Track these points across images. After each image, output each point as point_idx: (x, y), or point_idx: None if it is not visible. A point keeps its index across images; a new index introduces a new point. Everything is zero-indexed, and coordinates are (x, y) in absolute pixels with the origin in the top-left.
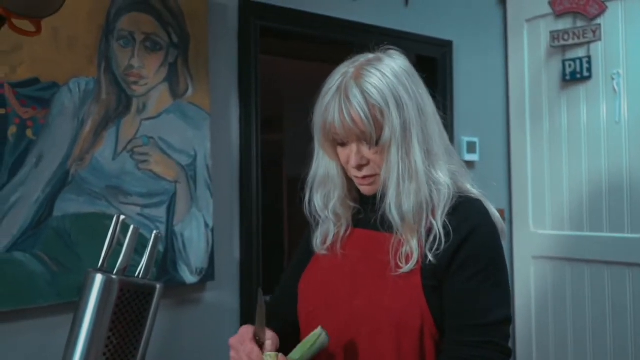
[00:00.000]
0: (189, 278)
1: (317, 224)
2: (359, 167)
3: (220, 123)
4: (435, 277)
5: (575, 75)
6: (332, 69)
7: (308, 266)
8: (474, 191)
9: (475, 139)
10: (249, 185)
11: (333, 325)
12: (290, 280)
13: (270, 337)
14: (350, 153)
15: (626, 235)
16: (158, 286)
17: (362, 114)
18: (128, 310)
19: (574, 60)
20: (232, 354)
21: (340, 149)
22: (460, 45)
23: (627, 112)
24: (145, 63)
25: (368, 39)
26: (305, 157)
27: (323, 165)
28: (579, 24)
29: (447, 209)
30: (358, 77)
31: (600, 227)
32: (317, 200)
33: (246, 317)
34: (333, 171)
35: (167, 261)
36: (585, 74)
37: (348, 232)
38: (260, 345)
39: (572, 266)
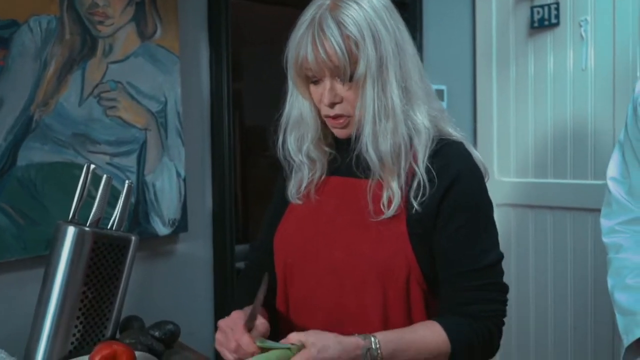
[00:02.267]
0: (162, 230)
1: (291, 171)
2: (332, 105)
3: (190, 68)
4: (421, 224)
5: (543, 22)
6: (298, 13)
7: (283, 217)
8: (455, 134)
9: (443, 87)
10: (220, 132)
11: (314, 278)
12: (267, 234)
13: (261, 324)
14: (324, 90)
15: (589, 181)
16: (133, 238)
17: (336, 46)
18: (103, 263)
19: (542, 6)
20: (219, 335)
21: (313, 87)
22: None
23: (593, 59)
24: (110, 1)
25: None
26: (263, 106)
27: (296, 106)
28: None
29: (428, 152)
30: (334, 8)
31: (564, 174)
32: (291, 143)
33: (219, 268)
34: (306, 112)
35: (138, 212)
36: (553, 20)
37: (322, 179)
38: (249, 330)
39: (535, 213)
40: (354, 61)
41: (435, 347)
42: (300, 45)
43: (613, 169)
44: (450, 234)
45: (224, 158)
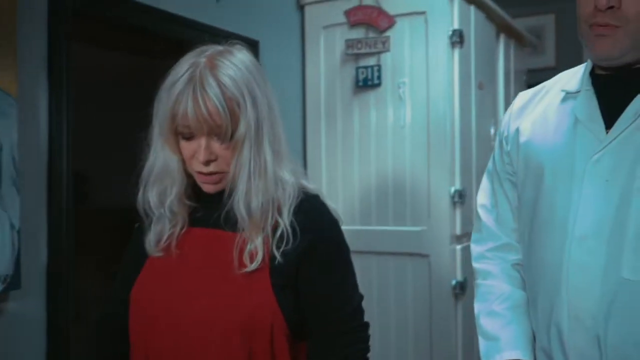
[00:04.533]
0: None
1: (150, 223)
2: (207, 163)
3: (28, 112)
4: (285, 276)
5: (367, 82)
6: (139, 59)
7: (142, 270)
8: (310, 187)
9: None
10: (58, 181)
11: (178, 331)
12: (122, 288)
13: None
14: (198, 148)
15: (408, 228)
16: None
17: (219, 106)
18: None
19: (366, 67)
20: None
21: (184, 143)
22: (265, 45)
23: (410, 116)
24: None
25: (181, 31)
26: (91, 153)
27: (161, 159)
28: (371, 34)
29: (292, 208)
30: (213, 67)
31: (386, 222)
32: (152, 196)
33: (53, 328)
34: (173, 166)
35: None
36: (376, 81)
37: (184, 231)
38: None
39: (362, 258)
40: (235, 121)
41: None
42: (179, 103)
43: (483, 197)
44: (315, 283)
45: (62, 209)
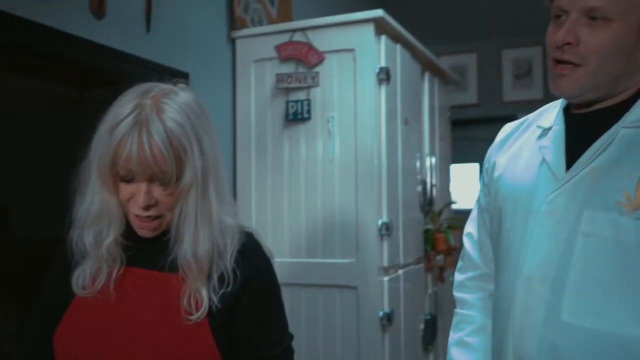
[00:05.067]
0: None
1: (78, 263)
2: (147, 208)
3: None
4: (224, 318)
5: (297, 116)
6: (67, 90)
7: (68, 311)
8: (244, 225)
9: None
10: None
11: None
12: (43, 330)
13: None
14: (138, 191)
15: (337, 260)
16: None
17: (165, 152)
18: None
19: (295, 102)
20: None
21: (123, 185)
22: (195, 77)
23: (339, 151)
24: None
25: (110, 62)
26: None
27: (99, 201)
28: (301, 70)
29: (235, 253)
30: (159, 110)
31: (315, 254)
32: (88, 237)
33: None
34: (112, 208)
35: None
36: (306, 115)
37: (121, 272)
38: None
39: (291, 291)
40: (180, 167)
41: None
42: (123, 146)
43: (469, 226)
44: (249, 324)
45: None
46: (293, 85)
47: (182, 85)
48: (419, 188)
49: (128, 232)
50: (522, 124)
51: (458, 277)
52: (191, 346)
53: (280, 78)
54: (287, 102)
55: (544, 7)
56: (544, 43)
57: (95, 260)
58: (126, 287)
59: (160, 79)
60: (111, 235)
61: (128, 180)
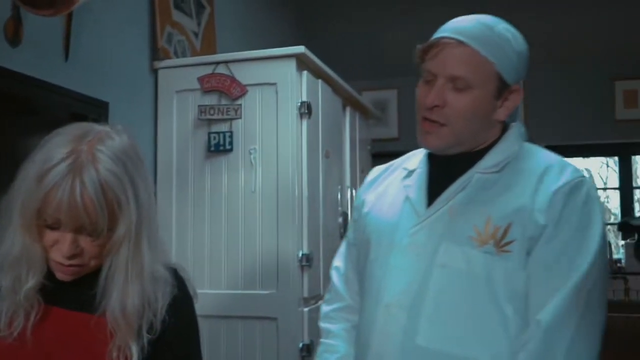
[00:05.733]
0: None
1: None
2: (71, 257)
3: None
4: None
5: (219, 147)
6: None
7: None
8: (171, 262)
9: None
10: None
11: None
12: None
13: None
14: (62, 239)
15: (257, 291)
16: None
17: (97, 204)
18: None
19: (218, 133)
20: None
21: (48, 231)
22: (115, 107)
23: (261, 183)
24: None
25: (27, 90)
26: None
27: (19, 245)
28: (224, 102)
29: (167, 304)
30: (95, 160)
31: (236, 286)
32: (5, 282)
33: None
34: (34, 254)
35: None
36: (228, 147)
37: (41, 312)
38: None
39: (210, 322)
40: (113, 220)
41: None
42: (54, 193)
43: (337, 260)
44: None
45: None
46: (215, 117)
47: (118, 127)
48: (340, 220)
49: (49, 272)
50: (390, 166)
51: (324, 308)
52: None
53: (202, 109)
54: (210, 134)
55: None
56: None
57: (11, 304)
58: (45, 329)
59: (76, 108)
60: (30, 282)
61: (54, 227)
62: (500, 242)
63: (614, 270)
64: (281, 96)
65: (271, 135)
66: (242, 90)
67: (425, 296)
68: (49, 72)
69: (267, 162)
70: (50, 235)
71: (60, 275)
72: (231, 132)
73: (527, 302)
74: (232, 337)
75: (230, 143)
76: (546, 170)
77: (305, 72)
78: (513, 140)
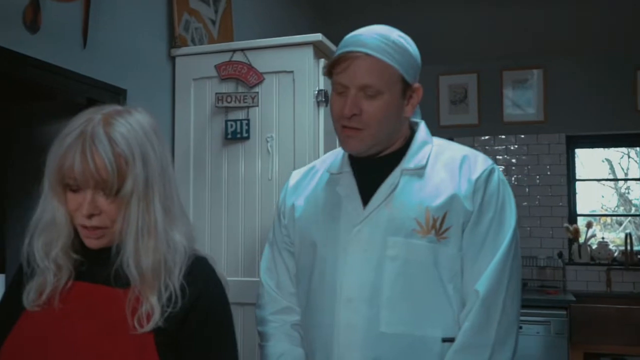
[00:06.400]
0: None
1: (31, 275)
2: (90, 216)
3: None
4: (169, 336)
5: (236, 135)
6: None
7: (16, 324)
8: (200, 250)
9: None
10: None
11: None
12: None
13: None
14: (83, 201)
15: None
16: None
17: (106, 161)
18: None
19: (235, 121)
20: None
21: (71, 195)
22: (133, 94)
23: (277, 171)
24: None
25: (45, 77)
26: None
27: (49, 211)
28: (241, 89)
29: (183, 270)
30: (106, 124)
31: (252, 273)
32: (38, 247)
33: None
34: (60, 218)
35: None
36: (245, 134)
37: (69, 285)
38: None
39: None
40: (122, 177)
41: None
42: (68, 155)
43: (264, 264)
44: (196, 348)
45: None
46: (232, 104)
47: (139, 108)
48: None
49: (78, 245)
50: (310, 170)
51: (259, 313)
52: (135, 359)
53: (219, 97)
54: (226, 121)
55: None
56: (478, 71)
57: (43, 273)
58: (72, 302)
59: (94, 95)
60: (58, 246)
61: (75, 190)
62: (440, 230)
63: (635, 263)
64: (298, 84)
65: (288, 123)
66: (259, 78)
67: (381, 287)
68: (67, 59)
69: (284, 150)
70: (73, 199)
71: (86, 241)
72: (248, 119)
73: (463, 278)
74: (249, 323)
75: (247, 131)
76: (463, 161)
77: (322, 60)
78: (425, 135)
